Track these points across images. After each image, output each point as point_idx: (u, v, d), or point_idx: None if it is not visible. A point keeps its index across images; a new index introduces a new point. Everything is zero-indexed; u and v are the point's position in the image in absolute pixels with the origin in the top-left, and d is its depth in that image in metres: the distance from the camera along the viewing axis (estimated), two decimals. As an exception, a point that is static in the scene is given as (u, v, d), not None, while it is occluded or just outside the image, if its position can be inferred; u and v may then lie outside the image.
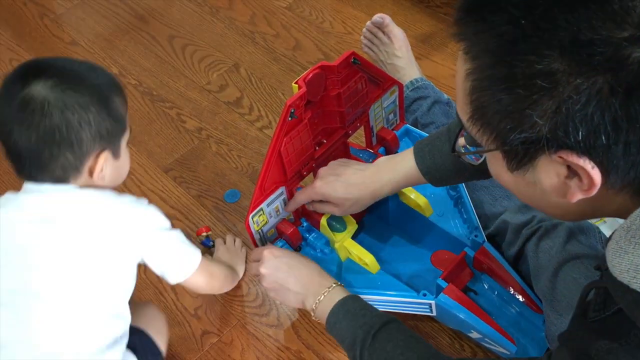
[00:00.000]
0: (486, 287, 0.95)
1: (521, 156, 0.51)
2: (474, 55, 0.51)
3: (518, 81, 0.48)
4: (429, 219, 0.98)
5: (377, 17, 1.27)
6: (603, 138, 0.47)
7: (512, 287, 0.92)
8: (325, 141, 0.96)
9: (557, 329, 0.84)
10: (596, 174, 0.49)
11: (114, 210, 0.78)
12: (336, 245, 0.97)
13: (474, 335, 0.92)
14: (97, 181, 0.78)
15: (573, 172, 0.50)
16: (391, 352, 0.75)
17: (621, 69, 0.45)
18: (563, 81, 0.46)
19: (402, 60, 1.22)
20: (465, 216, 0.97)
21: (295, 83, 0.86)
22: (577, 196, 0.51)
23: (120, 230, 0.78)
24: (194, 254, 0.85)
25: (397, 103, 1.04)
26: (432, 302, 0.89)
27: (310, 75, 0.85)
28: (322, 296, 0.86)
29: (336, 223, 0.97)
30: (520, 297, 0.93)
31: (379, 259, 0.97)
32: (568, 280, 0.85)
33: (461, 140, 0.61)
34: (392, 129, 1.06)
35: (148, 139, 1.36)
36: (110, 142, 0.77)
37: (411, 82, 1.19)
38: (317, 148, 0.96)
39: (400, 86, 1.01)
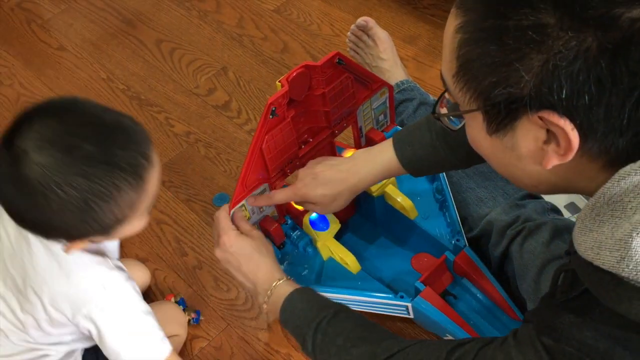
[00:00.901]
0: (465, 291, 0.95)
1: (502, 116, 0.51)
2: (467, 8, 0.51)
3: (509, 33, 0.48)
4: (413, 221, 0.99)
5: (361, 20, 1.28)
6: (586, 98, 0.47)
7: (490, 293, 0.93)
8: (311, 140, 0.96)
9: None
10: (574, 137, 0.49)
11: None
12: (318, 244, 0.97)
13: (449, 339, 0.92)
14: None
15: (551, 136, 0.50)
16: (342, 345, 0.73)
17: (611, 28, 0.45)
18: (553, 35, 0.46)
19: (387, 62, 1.23)
20: (449, 220, 0.98)
21: (279, 82, 0.86)
22: (553, 161, 0.51)
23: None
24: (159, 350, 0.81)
25: (388, 104, 1.04)
26: (409, 304, 0.90)
27: (294, 74, 0.86)
28: (270, 292, 0.83)
29: (319, 222, 0.97)
30: (497, 303, 0.93)
31: (363, 259, 0.97)
32: None
33: (443, 110, 0.61)
34: (382, 130, 1.07)
35: (136, 143, 1.36)
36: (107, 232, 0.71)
37: (397, 84, 1.19)
38: (302, 147, 0.96)
39: (390, 88, 1.01)
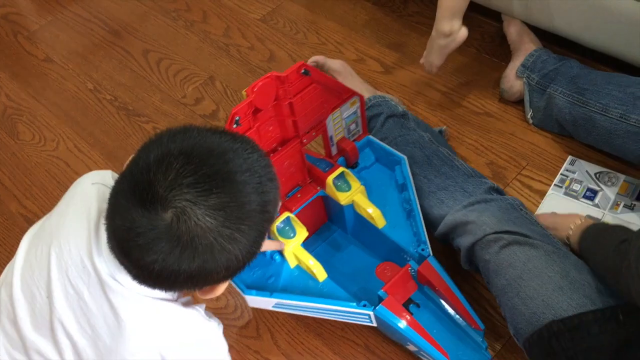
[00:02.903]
0: (429, 300, 0.96)
1: None
2: None
3: None
4: (381, 230, 0.99)
5: (311, 62, 1.31)
6: None
7: (453, 303, 0.93)
8: (280, 149, 0.97)
9: (528, 315, 0.86)
10: None
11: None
12: (286, 252, 0.98)
13: (411, 347, 0.93)
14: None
15: None
16: None
17: None
18: None
19: None
20: (414, 229, 0.98)
21: (245, 91, 0.87)
22: None
23: None
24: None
25: (359, 114, 1.05)
26: (371, 312, 0.90)
27: (259, 84, 0.86)
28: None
29: (287, 230, 0.98)
30: (459, 314, 0.94)
31: (331, 267, 0.98)
32: (527, 262, 0.89)
33: None
34: (354, 140, 1.07)
35: (124, 154, 1.36)
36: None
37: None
38: (270, 155, 0.97)
39: (361, 97, 1.03)
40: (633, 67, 1.20)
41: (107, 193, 0.67)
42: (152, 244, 0.61)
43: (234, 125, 0.86)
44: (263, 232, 0.67)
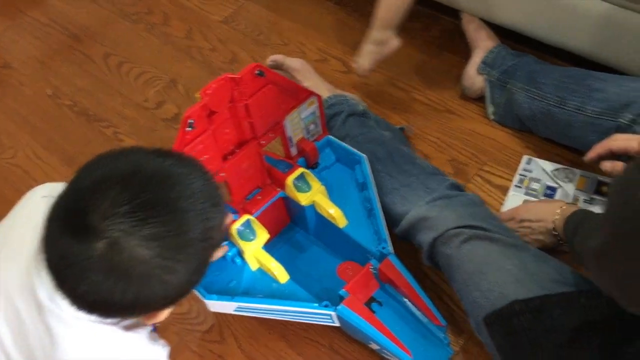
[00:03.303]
0: (391, 298, 0.96)
1: None
2: None
3: None
4: (342, 230, 0.99)
5: (269, 61, 1.32)
6: None
7: (414, 301, 0.94)
8: (237, 151, 0.96)
9: (488, 307, 0.86)
10: None
11: None
12: (246, 255, 0.97)
13: (373, 346, 0.93)
14: None
15: None
16: None
17: None
18: None
19: (310, 87, 1.25)
20: (375, 228, 0.98)
21: (198, 94, 0.86)
22: None
23: None
24: None
25: (317, 114, 1.05)
26: (333, 312, 0.90)
27: (213, 86, 0.86)
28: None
29: (247, 232, 0.97)
30: (421, 310, 0.94)
31: (294, 268, 0.97)
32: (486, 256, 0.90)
33: None
34: (314, 140, 1.07)
35: (84, 160, 1.30)
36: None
37: (325, 100, 1.21)
38: (228, 157, 0.96)
39: (319, 97, 1.02)
40: (588, 60, 1.22)
41: None
42: (85, 275, 0.59)
43: (188, 129, 0.85)
44: (205, 259, 0.65)
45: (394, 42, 1.21)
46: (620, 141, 0.92)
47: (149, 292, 0.60)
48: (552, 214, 0.98)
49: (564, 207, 0.98)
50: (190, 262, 0.62)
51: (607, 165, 0.93)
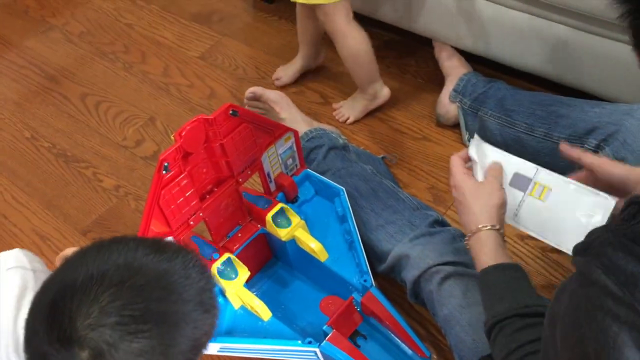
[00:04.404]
0: (375, 330, 0.96)
1: None
2: None
3: None
4: (324, 264, 0.99)
5: (248, 93, 1.34)
6: None
7: (397, 333, 0.94)
8: (215, 190, 0.97)
9: (470, 342, 0.86)
10: None
11: None
12: (228, 294, 0.97)
13: None
14: None
15: None
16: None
17: None
18: None
19: (287, 120, 1.27)
20: (357, 260, 0.99)
21: (173, 136, 0.86)
22: None
23: None
24: None
25: (295, 148, 1.06)
26: (317, 349, 0.90)
27: (187, 128, 0.86)
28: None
29: (227, 271, 0.96)
30: (404, 342, 0.94)
31: (278, 304, 0.97)
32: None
33: None
34: (292, 174, 1.08)
35: (64, 202, 1.33)
36: None
37: (305, 133, 1.22)
38: (207, 197, 0.96)
39: (295, 132, 1.03)
40: (559, 84, 1.24)
41: (27, 275, 0.64)
42: None
43: (164, 172, 0.85)
44: None
45: (386, 93, 1.33)
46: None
47: None
48: (475, 224, 0.86)
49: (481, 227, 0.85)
50: None
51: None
